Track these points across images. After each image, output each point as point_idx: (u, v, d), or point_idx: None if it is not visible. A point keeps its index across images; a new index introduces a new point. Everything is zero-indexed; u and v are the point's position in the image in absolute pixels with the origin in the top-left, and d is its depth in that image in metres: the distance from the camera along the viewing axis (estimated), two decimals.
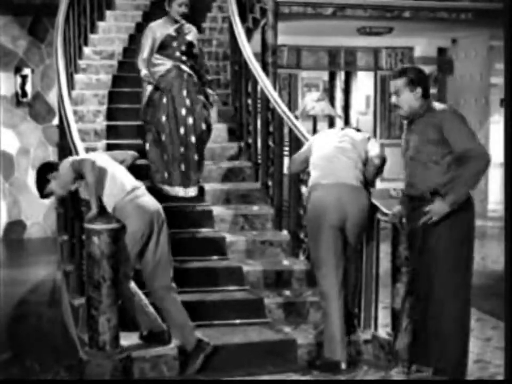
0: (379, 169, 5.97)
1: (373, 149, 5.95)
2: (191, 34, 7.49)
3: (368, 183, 5.94)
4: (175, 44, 7.34)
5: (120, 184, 5.57)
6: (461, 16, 11.85)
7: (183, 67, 7.30)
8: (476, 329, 6.87)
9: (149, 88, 7.31)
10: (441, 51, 15.37)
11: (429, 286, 5.34)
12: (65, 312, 6.90)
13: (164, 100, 7.21)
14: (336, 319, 5.70)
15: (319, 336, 5.95)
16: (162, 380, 5.56)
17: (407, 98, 5.30)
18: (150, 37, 7.35)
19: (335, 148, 5.88)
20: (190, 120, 7.20)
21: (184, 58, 7.35)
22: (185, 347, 5.61)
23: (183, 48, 7.37)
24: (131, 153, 6.12)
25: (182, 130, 7.18)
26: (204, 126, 7.26)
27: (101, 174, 5.52)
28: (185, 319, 5.65)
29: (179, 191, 7.22)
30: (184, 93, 7.22)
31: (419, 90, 5.32)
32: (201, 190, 7.41)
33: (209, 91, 7.51)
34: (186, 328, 5.63)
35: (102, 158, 5.78)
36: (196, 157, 7.24)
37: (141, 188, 5.71)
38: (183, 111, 7.19)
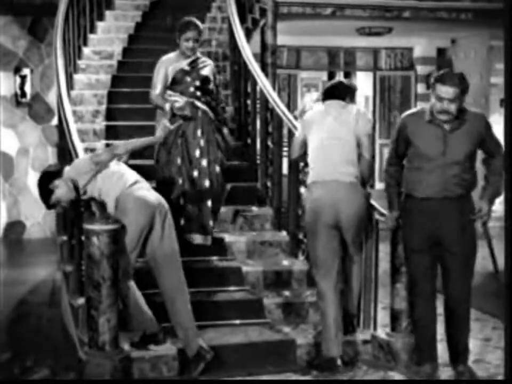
0: (370, 167, 5.99)
1: (364, 145, 5.93)
2: (207, 68, 6.97)
3: (364, 179, 5.96)
4: (188, 78, 6.84)
5: (122, 178, 5.58)
6: (460, 16, 11.86)
7: (198, 104, 6.79)
8: (475, 329, 6.87)
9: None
10: (441, 51, 15.40)
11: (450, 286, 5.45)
12: (65, 313, 6.90)
13: (179, 140, 6.72)
14: (331, 318, 5.72)
15: (318, 336, 5.95)
16: (162, 380, 5.56)
17: (457, 106, 5.29)
18: (162, 71, 6.89)
19: (330, 137, 5.85)
20: (204, 163, 6.71)
21: (198, 94, 6.84)
22: (186, 351, 5.61)
23: (197, 83, 6.85)
24: (120, 145, 6.03)
25: (195, 173, 6.70)
26: (218, 169, 6.76)
27: (101, 168, 5.56)
28: (191, 323, 5.62)
29: (196, 238, 6.73)
30: (199, 132, 6.72)
31: (465, 97, 5.35)
32: (218, 241, 6.95)
33: (225, 131, 7.01)
34: (190, 332, 5.60)
35: None
36: (209, 203, 6.75)
37: (142, 182, 5.70)
38: (197, 153, 6.70)
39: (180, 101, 6.73)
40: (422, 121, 5.43)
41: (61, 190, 5.65)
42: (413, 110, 5.73)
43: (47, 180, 5.71)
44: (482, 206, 5.40)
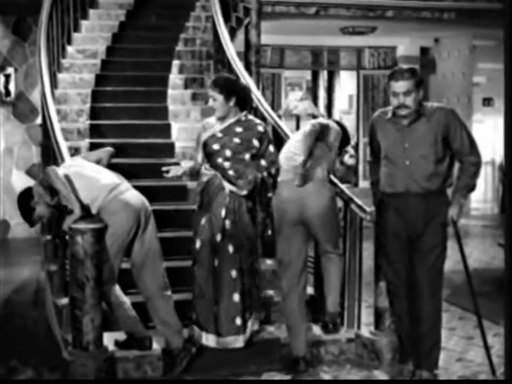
0: (350, 169, 6.05)
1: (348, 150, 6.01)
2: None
3: (330, 175, 6.02)
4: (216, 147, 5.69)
5: (99, 185, 5.52)
6: (443, 16, 11.91)
7: (226, 183, 5.66)
8: (458, 327, 6.93)
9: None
10: (424, 50, 15.46)
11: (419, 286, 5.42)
12: (49, 312, 6.89)
13: (203, 221, 5.72)
14: (294, 318, 5.75)
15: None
16: (154, 379, 5.56)
17: (414, 99, 5.34)
18: (199, 137, 5.87)
19: (293, 142, 5.97)
20: (231, 249, 5.65)
21: (228, 167, 5.67)
22: (171, 347, 5.60)
23: (229, 154, 5.67)
24: (105, 150, 6.10)
25: (216, 263, 5.67)
26: (244, 257, 5.70)
27: (76, 179, 5.50)
28: (174, 319, 5.62)
29: (211, 339, 5.72)
30: (223, 212, 5.64)
31: (421, 92, 5.40)
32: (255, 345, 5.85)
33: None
34: (173, 328, 5.60)
35: (75, 163, 5.78)
36: (236, 297, 5.64)
37: (123, 183, 5.64)
38: (218, 237, 5.63)
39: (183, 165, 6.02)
40: (384, 119, 5.53)
41: (42, 205, 5.65)
42: (382, 109, 5.78)
43: (26, 198, 5.71)
44: (451, 206, 5.42)
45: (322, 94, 16.77)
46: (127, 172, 5.99)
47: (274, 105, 14.56)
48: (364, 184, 14.29)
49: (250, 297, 5.69)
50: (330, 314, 6.11)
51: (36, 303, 7.88)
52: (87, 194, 5.46)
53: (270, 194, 5.78)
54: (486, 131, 13.79)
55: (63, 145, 6.20)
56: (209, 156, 5.68)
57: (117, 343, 5.70)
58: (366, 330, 6.10)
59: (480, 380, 5.63)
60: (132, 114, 8.44)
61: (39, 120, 10.04)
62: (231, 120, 5.70)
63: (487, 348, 5.59)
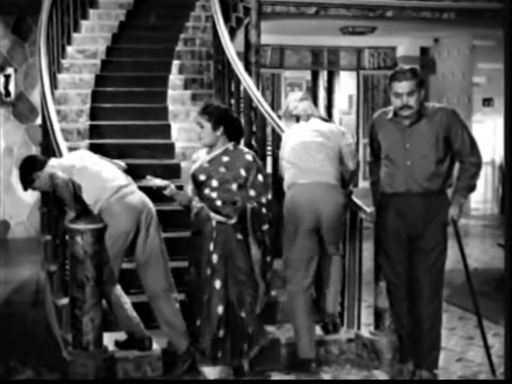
0: (354, 173, 6.04)
1: (347, 153, 5.97)
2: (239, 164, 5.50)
3: (345, 181, 6.00)
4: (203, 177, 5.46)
5: (103, 186, 5.52)
6: (443, 16, 11.90)
7: (213, 214, 5.41)
8: (458, 327, 6.93)
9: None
10: (424, 50, 15.46)
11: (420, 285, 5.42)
12: (49, 312, 6.89)
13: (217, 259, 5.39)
14: (302, 320, 5.74)
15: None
16: (154, 379, 5.55)
17: (417, 99, 5.34)
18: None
19: (309, 143, 5.91)
20: (218, 285, 5.36)
21: (216, 197, 5.41)
22: (176, 348, 5.58)
23: (215, 184, 5.42)
24: (119, 164, 6.02)
25: (204, 298, 5.41)
26: (232, 293, 5.42)
27: (80, 179, 5.51)
28: (179, 321, 5.59)
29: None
30: (211, 246, 5.37)
31: (423, 92, 5.40)
32: None
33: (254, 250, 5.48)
34: (178, 330, 5.58)
35: (86, 157, 5.79)
36: (250, 329, 5.43)
37: (130, 186, 5.63)
38: (208, 271, 5.38)
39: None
40: (385, 119, 5.53)
41: (42, 182, 5.65)
42: (382, 109, 5.78)
43: (29, 168, 5.72)
44: (451, 206, 5.42)
45: (322, 94, 16.79)
46: (127, 172, 5.98)
47: (274, 105, 14.56)
48: (363, 184, 14.28)
49: (237, 334, 5.41)
50: (330, 315, 6.11)
51: (36, 303, 7.88)
52: (89, 196, 5.48)
53: (265, 227, 5.39)
54: (486, 131, 13.79)
55: (63, 146, 6.19)
56: (198, 187, 5.47)
57: (117, 343, 5.70)
58: (366, 330, 6.10)
59: (480, 380, 5.63)
60: (132, 114, 8.44)
61: (39, 120, 10.03)
62: (218, 150, 5.47)
63: (487, 347, 5.58)
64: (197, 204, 5.45)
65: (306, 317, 5.75)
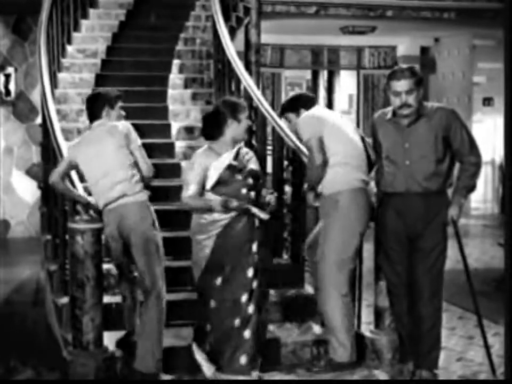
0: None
1: None
2: (253, 160, 5.48)
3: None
4: (239, 177, 5.33)
5: (97, 192, 5.51)
6: (444, 15, 11.89)
7: (255, 210, 5.25)
8: (458, 327, 6.93)
9: (208, 243, 5.30)
10: (424, 50, 15.46)
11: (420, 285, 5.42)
12: (49, 312, 6.89)
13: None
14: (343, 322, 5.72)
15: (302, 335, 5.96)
16: (154, 380, 5.53)
17: (416, 98, 5.34)
18: (198, 168, 5.29)
19: (358, 141, 5.81)
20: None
21: (252, 196, 5.37)
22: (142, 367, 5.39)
23: (250, 181, 5.36)
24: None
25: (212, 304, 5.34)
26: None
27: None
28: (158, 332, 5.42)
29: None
30: (254, 247, 5.31)
31: (422, 90, 5.41)
32: None
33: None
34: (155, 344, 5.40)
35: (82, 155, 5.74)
36: (247, 334, 5.31)
37: (131, 196, 5.44)
38: (243, 298, 5.30)
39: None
40: (384, 119, 5.53)
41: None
42: (382, 110, 5.78)
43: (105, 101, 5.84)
44: (451, 206, 5.41)
45: (322, 93, 16.78)
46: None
47: (275, 105, 14.56)
48: None
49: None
50: None
51: (36, 303, 7.88)
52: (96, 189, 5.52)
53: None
54: (486, 131, 13.79)
55: (63, 145, 6.20)
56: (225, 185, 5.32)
57: (118, 343, 5.69)
58: (366, 330, 6.10)
59: (480, 380, 5.63)
60: (132, 114, 8.40)
61: (39, 120, 10.03)
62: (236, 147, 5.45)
63: (487, 347, 5.58)
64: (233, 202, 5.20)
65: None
